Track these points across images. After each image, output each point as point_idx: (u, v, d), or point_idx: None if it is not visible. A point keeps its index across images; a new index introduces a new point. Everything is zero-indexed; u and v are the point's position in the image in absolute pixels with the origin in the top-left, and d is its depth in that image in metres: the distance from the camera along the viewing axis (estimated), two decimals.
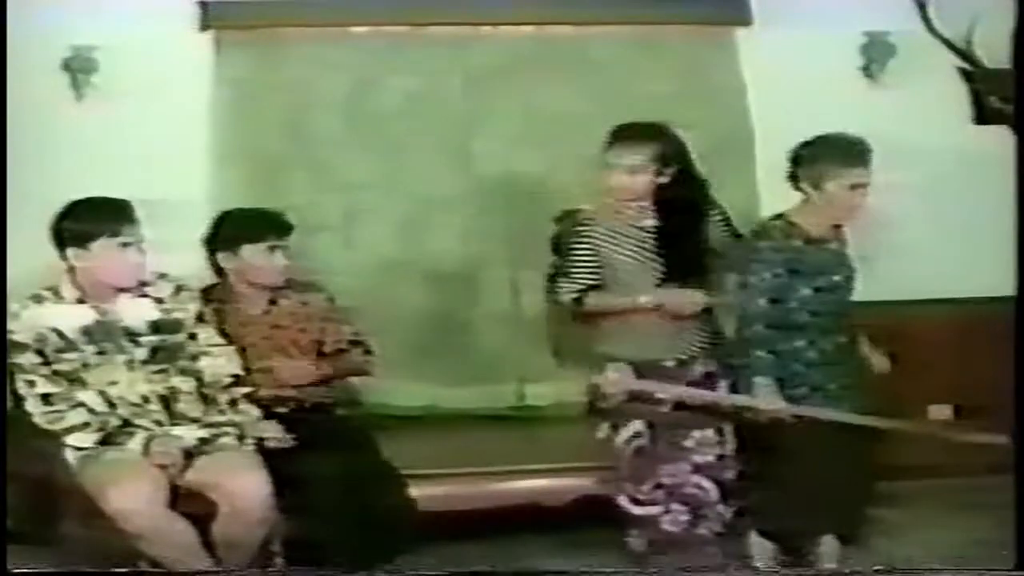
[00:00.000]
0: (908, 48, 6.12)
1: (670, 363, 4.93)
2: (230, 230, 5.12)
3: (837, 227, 4.95)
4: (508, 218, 5.97)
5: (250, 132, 5.91)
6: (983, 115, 6.16)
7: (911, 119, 6.10)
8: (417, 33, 6.00)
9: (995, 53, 5.98)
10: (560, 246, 5.11)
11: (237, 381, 4.87)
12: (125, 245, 4.71)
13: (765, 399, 4.77)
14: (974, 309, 5.90)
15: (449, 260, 6.00)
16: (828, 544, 4.86)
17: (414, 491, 5.01)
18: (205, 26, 5.85)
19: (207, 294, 5.06)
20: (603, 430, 5.03)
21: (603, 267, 4.93)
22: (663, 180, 4.89)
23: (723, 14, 6.09)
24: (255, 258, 5.07)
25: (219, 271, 5.16)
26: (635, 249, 4.92)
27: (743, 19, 6.07)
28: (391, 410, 5.83)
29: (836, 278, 4.90)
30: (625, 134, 4.91)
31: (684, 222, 4.92)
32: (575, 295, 4.94)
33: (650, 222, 4.93)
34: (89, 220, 4.70)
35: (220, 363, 4.86)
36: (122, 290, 4.76)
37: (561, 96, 6.04)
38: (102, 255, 4.69)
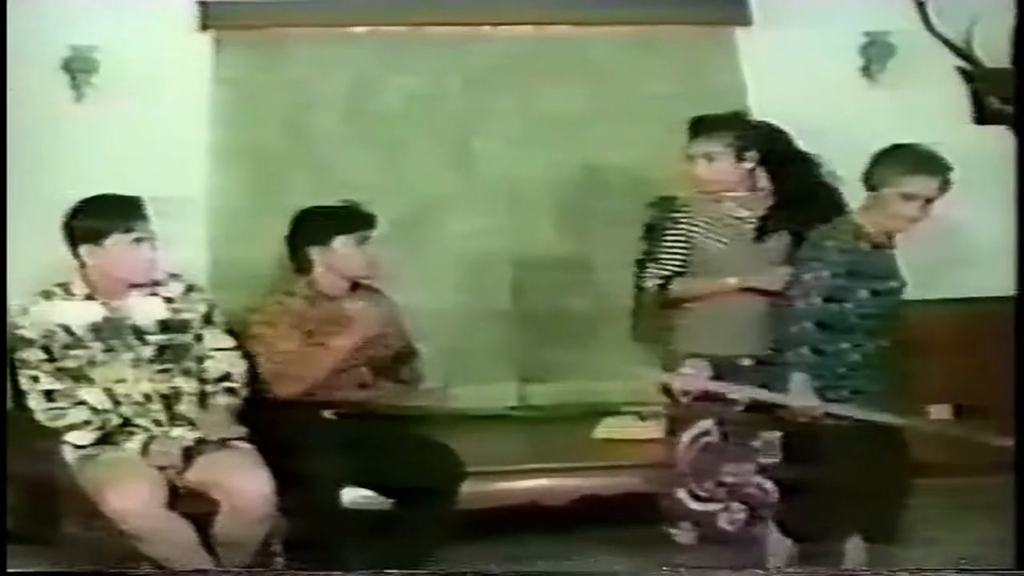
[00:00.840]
0: (908, 48, 6.11)
1: (747, 361, 4.94)
2: (321, 222, 5.11)
3: (891, 234, 4.92)
4: (511, 217, 5.97)
5: (250, 132, 5.90)
6: (983, 115, 6.16)
7: (911, 119, 6.09)
8: (417, 33, 6.00)
9: (995, 53, 5.99)
10: (652, 232, 5.16)
11: (226, 379, 4.87)
12: (138, 241, 4.74)
13: (801, 396, 4.75)
14: (974, 309, 5.90)
15: (450, 259, 6.00)
16: (854, 544, 4.85)
17: None
18: (205, 26, 5.84)
19: (287, 293, 5.06)
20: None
21: (695, 256, 4.98)
22: (747, 166, 4.95)
23: (723, 14, 6.08)
24: (347, 250, 5.06)
25: (304, 267, 5.13)
26: (731, 239, 4.97)
27: (743, 19, 6.06)
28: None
29: (893, 284, 4.89)
30: (701, 125, 4.99)
31: (788, 211, 4.97)
32: (661, 281, 4.99)
33: (746, 212, 4.98)
34: (102, 216, 4.73)
35: (223, 366, 4.86)
36: (134, 286, 4.78)
37: (561, 96, 6.03)
38: (115, 251, 4.72)
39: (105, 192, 4.83)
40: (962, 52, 6.07)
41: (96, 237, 4.71)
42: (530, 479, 5.29)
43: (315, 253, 5.08)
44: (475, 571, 4.64)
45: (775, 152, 5.03)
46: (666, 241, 5.01)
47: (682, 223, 5.00)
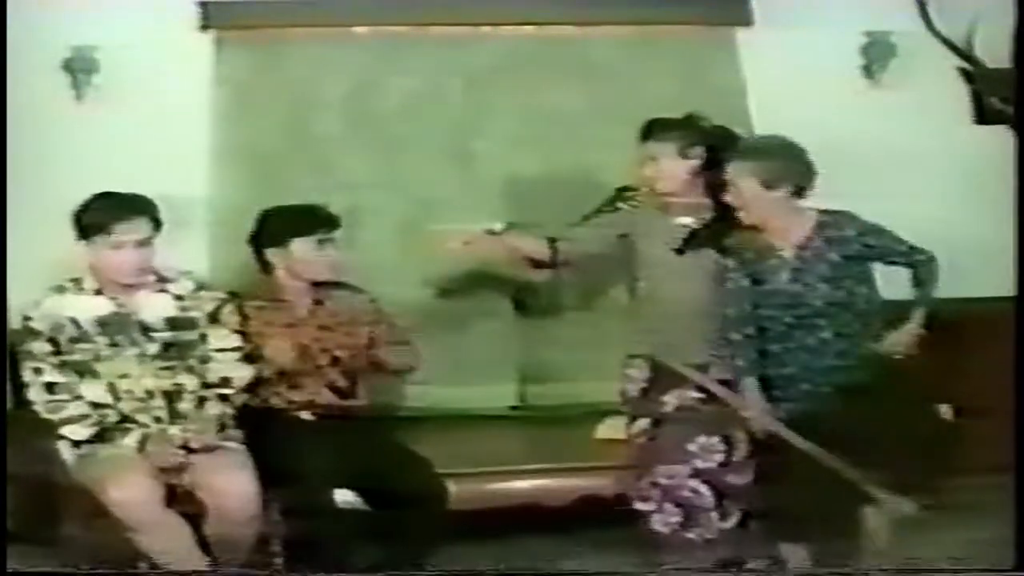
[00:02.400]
0: (909, 48, 6.11)
1: (687, 365, 4.93)
2: (279, 224, 5.10)
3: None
4: (509, 217, 5.96)
5: (251, 132, 5.91)
6: (984, 115, 6.15)
7: (912, 119, 6.10)
8: (418, 33, 6.01)
9: (996, 53, 5.98)
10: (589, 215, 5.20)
11: (223, 384, 4.86)
12: (134, 243, 4.73)
13: (752, 403, 4.78)
14: (975, 309, 5.88)
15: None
16: (791, 551, 4.79)
17: None
18: (205, 26, 5.85)
19: (251, 295, 5.06)
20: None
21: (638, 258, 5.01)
22: (691, 162, 4.93)
23: (724, 14, 6.09)
24: (305, 252, 5.06)
25: (266, 268, 5.14)
26: (665, 243, 4.96)
27: (744, 19, 6.06)
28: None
29: (796, 288, 4.82)
30: (650, 128, 5.00)
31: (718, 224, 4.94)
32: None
33: (686, 219, 4.96)
34: (107, 213, 4.73)
35: (223, 369, 4.85)
36: (133, 284, 4.77)
37: (562, 96, 6.03)
38: (106, 250, 4.72)
39: (116, 190, 4.83)
40: (963, 52, 6.06)
41: (98, 233, 4.72)
42: (530, 479, 5.28)
43: (273, 255, 5.08)
44: (475, 571, 4.64)
45: (722, 159, 4.94)
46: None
47: (615, 211, 5.10)
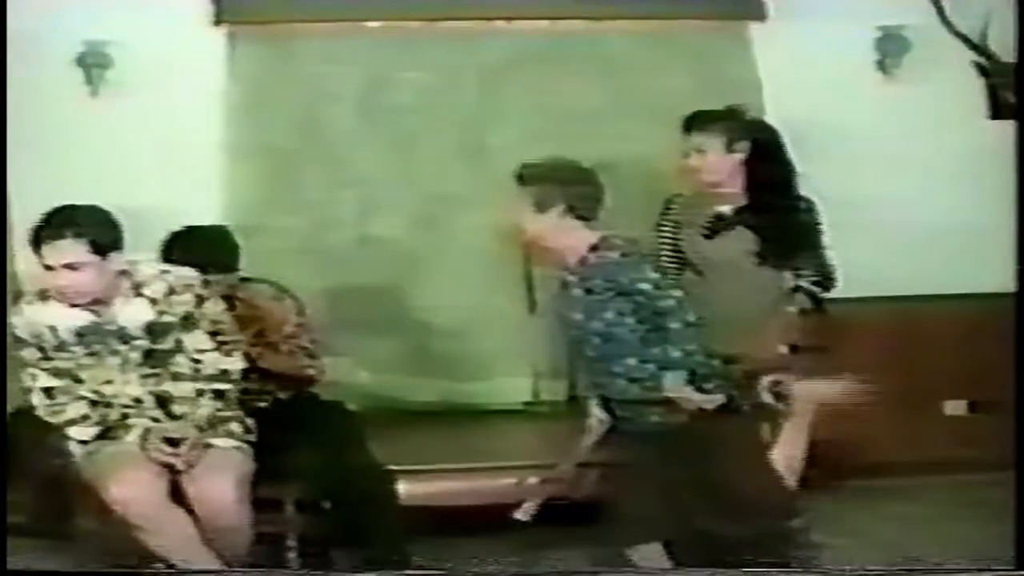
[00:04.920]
0: (923, 43, 6.09)
1: None
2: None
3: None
4: None
5: (264, 127, 5.91)
6: (998, 110, 6.13)
7: (926, 113, 6.09)
8: (430, 28, 6.00)
9: (1010, 47, 5.95)
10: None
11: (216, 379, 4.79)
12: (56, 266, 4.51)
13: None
14: (990, 304, 5.87)
15: (464, 254, 6.00)
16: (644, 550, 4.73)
17: (427, 487, 5.04)
18: (219, 21, 5.85)
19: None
20: None
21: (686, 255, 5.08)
22: (738, 156, 5.00)
23: (737, 8, 6.07)
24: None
25: None
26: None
27: (758, 13, 6.05)
28: (403, 405, 5.85)
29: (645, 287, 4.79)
30: (697, 119, 5.06)
31: (760, 207, 5.01)
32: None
33: (727, 208, 5.03)
34: (36, 231, 4.50)
35: (217, 359, 4.74)
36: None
37: (575, 91, 6.03)
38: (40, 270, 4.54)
39: (70, 203, 4.58)
40: (977, 46, 6.04)
41: (35, 251, 4.52)
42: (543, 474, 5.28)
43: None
44: (477, 571, 4.62)
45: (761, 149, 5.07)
46: (658, 240, 5.12)
47: (666, 219, 5.13)
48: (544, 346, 5.45)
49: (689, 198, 5.16)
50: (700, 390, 4.68)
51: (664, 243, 5.14)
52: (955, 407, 6.17)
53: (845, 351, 5.66)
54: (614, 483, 4.75)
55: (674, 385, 4.68)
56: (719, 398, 4.68)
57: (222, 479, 4.54)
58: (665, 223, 5.17)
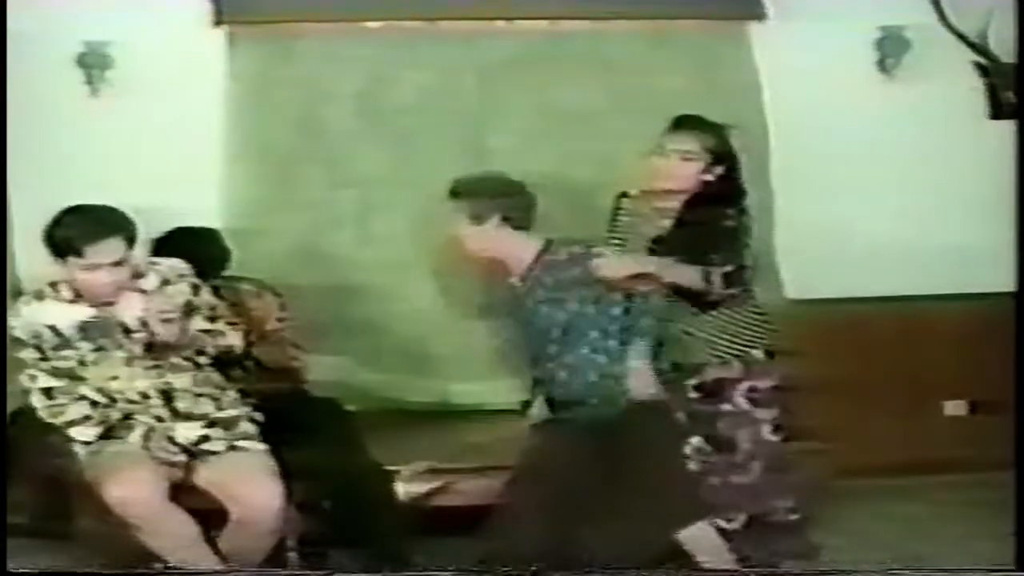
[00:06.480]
0: (923, 43, 6.09)
1: None
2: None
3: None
4: None
5: (264, 127, 5.90)
6: (999, 110, 6.13)
7: (926, 114, 6.09)
8: (431, 28, 5.99)
9: (1010, 48, 5.96)
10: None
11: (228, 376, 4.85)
12: (103, 265, 4.59)
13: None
14: (990, 304, 5.88)
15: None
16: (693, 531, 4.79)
17: (428, 487, 5.04)
18: (218, 21, 5.84)
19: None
20: None
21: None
22: (708, 177, 4.95)
23: (737, 9, 6.06)
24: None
25: None
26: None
27: (757, 14, 6.04)
28: (403, 405, 5.84)
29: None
30: (686, 123, 5.01)
31: (694, 222, 4.96)
32: None
33: (668, 222, 4.99)
34: (73, 234, 4.58)
35: (224, 339, 4.80)
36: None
37: (575, 91, 6.02)
38: (87, 269, 4.59)
39: (89, 203, 4.67)
40: (977, 47, 6.04)
41: (70, 254, 4.58)
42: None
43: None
44: (478, 571, 4.62)
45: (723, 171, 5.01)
46: (609, 236, 5.14)
47: (618, 216, 5.14)
48: (504, 350, 5.47)
49: (635, 200, 5.12)
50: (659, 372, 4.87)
51: (615, 243, 5.11)
52: (955, 407, 6.17)
53: (845, 352, 5.69)
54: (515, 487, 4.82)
55: (638, 361, 4.85)
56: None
57: (268, 483, 4.59)
58: (616, 225, 5.15)
